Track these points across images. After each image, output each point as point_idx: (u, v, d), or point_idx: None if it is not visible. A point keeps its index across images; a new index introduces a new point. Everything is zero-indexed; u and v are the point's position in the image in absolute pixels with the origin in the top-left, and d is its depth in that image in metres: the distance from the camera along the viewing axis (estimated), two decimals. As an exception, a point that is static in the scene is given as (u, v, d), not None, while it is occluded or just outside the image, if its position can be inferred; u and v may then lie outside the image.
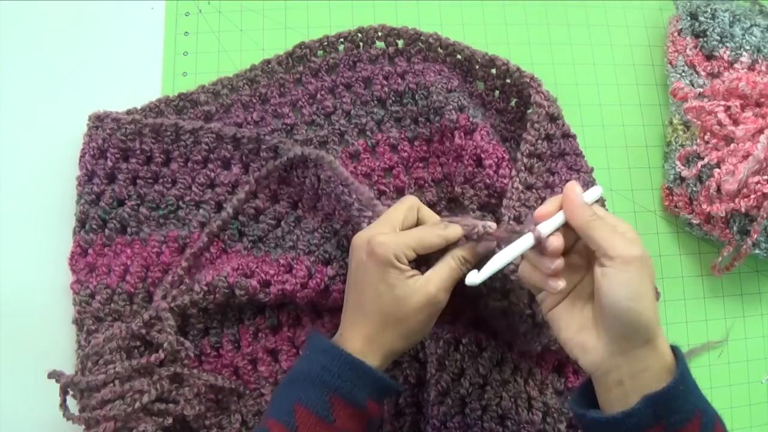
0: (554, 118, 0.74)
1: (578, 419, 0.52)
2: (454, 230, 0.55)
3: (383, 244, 0.53)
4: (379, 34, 0.80)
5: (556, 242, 0.50)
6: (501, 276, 0.55)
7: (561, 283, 0.50)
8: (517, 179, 0.70)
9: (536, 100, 0.74)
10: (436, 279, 0.53)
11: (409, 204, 0.58)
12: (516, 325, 0.62)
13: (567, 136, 0.75)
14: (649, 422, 0.45)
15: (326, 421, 0.49)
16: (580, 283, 0.52)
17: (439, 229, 0.55)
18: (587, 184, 0.74)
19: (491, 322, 0.66)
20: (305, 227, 0.71)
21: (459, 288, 0.55)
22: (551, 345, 0.66)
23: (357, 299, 0.55)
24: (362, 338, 0.53)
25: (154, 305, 0.66)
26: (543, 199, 0.71)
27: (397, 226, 0.56)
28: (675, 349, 0.49)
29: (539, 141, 0.73)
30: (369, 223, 0.63)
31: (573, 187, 0.52)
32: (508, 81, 0.78)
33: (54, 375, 0.63)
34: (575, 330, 0.50)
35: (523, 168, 0.71)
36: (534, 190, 0.71)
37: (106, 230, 0.73)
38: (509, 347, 0.68)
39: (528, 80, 0.75)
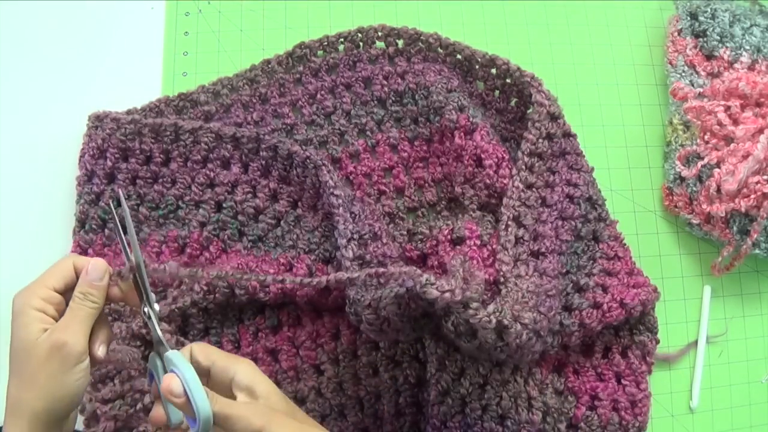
0: (555, 117, 0.74)
1: None
2: (79, 261, 0.50)
3: (18, 295, 0.49)
4: (379, 34, 0.80)
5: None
6: (464, 321, 0.56)
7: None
8: (518, 178, 0.70)
9: (537, 99, 0.74)
10: (62, 320, 0.48)
11: (64, 262, 0.51)
12: (494, 357, 0.62)
13: (568, 135, 0.75)
14: None
15: None
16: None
17: (63, 264, 0.50)
18: (587, 184, 0.74)
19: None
20: (305, 226, 0.71)
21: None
22: (550, 350, 0.66)
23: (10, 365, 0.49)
24: (8, 421, 0.47)
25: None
26: (543, 199, 0.71)
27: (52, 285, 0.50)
28: None
29: (540, 140, 0.73)
30: (347, 241, 0.65)
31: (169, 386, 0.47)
32: (508, 81, 0.78)
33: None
34: None
35: (523, 167, 0.71)
36: (534, 189, 0.71)
37: (106, 230, 0.73)
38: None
39: (529, 80, 0.75)
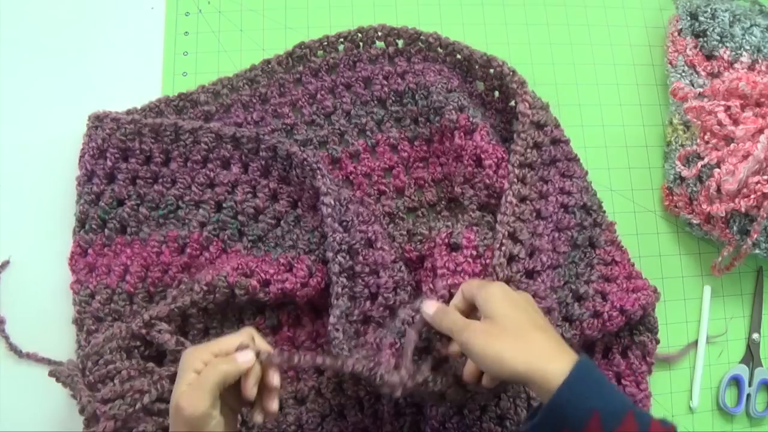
0: (540, 125, 0.74)
1: None
2: (243, 356, 0.53)
3: (186, 352, 0.53)
4: (379, 34, 0.80)
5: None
6: (423, 388, 0.56)
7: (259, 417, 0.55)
8: (510, 192, 0.70)
9: (520, 109, 0.73)
10: (185, 387, 0.51)
11: (245, 331, 0.56)
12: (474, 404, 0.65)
13: (556, 142, 0.74)
14: (554, 429, 0.49)
15: None
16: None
17: (224, 362, 0.53)
18: (581, 191, 0.73)
19: None
20: (305, 226, 0.71)
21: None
22: None
23: None
24: None
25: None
26: (537, 211, 0.71)
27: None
28: (576, 362, 0.50)
29: (528, 150, 0.72)
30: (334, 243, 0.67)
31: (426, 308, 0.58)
32: (503, 82, 0.77)
33: (54, 374, 0.63)
34: (475, 375, 0.56)
35: (515, 179, 0.70)
36: (528, 202, 0.71)
37: (106, 230, 0.73)
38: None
39: (516, 86, 0.74)
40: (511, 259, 0.67)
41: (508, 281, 0.66)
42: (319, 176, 0.69)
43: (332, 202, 0.68)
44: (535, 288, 0.66)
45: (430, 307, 0.58)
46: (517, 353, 0.50)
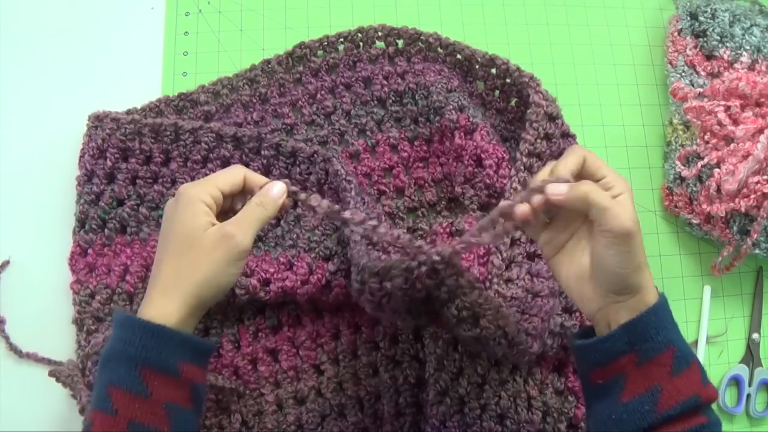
0: (553, 117, 0.74)
1: (571, 349, 0.56)
2: (251, 176, 0.55)
3: (188, 187, 0.53)
4: (379, 34, 0.80)
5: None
6: (470, 304, 0.55)
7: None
8: (516, 179, 0.70)
9: (535, 99, 0.73)
10: (234, 219, 0.53)
11: (236, 170, 0.56)
12: (492, 350, 0.62)
13: (566, 135, 0.75)
14: (624, 348, 0.48)
15: (142, 396, 0.47)
16: (576, 234, 0.53)
17: (235, 171, 0.55)
18: None
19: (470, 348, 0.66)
20: (305, 225, 0.71)
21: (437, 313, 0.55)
22: (548, 351, 0.66)
23: (159, 254, 0.53)
24: (159, 296, 0.51)
25: None
26: None
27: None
28: (660, 295, 0.52)
29: (538, 140, 0.72)
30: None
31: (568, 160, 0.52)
32: (507, 81, 0.78)
33: (54, 374, 0.63)
34: (574, 280, 0.52)
35: (522, 167, 0.71)
36: None
37: (106, 230, 0.73)
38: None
39: (527, 80, 0.75)
40: (513, 243, 0.68)
41: (510, 262, 0.66)
42: (336, 161, 0.70)
43: (354, 180, 0.68)
44: (537, 268, 0.67)
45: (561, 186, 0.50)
46: (640, 268, 0.49)
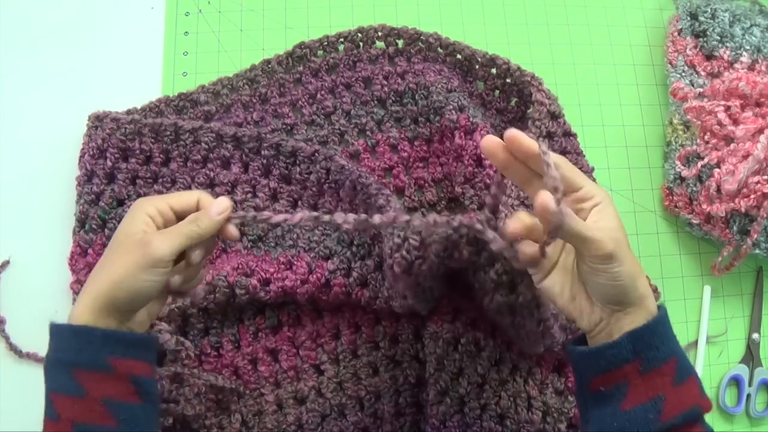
0: (555, 116, 0.74)
1: (569, 357, 0.54)
2: (205, 198, 0.54)
3: (138, 200, 0.53)
4: (379, 34, 0.80)
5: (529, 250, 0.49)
6: (509, 269, 0.55)
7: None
8: None
9: (537, 98, 0.73)
10: (160, 231, 0.52)
11: (191, 193, 0.55)
12: (522, 323, 0.61)
13: (568, 134, 0.75)
14: (628, 356, 0.48)
15: (79, 396, 0.48)
16: (564, 251, 0.52)
17: (190, 194, 0.54)
18: None
19: (496, 320, 0.66)
20: (305, 225, 0.71)
21: (463, 284, 0.54)
22: (554, 347, 0.66)
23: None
24: (79, 297, 0.51)
25: None
26: None
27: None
28: (660, 307, 0.51)
29: (540, 138, 0.72)
30: (386, 200, 0.64)
31: (544, 196, 0.47)
32: (508, 80, 0.78)
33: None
34: (568, 298, 0.51)
35: None
36: None
37: (106, 230, 0.73)
38: (508, 347, 0.68)
39: (529, 79, 0.75)
40: None
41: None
42: (338, 157, 0.70)
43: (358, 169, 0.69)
44: None
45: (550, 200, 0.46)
46: (633, 280, 0.48)
